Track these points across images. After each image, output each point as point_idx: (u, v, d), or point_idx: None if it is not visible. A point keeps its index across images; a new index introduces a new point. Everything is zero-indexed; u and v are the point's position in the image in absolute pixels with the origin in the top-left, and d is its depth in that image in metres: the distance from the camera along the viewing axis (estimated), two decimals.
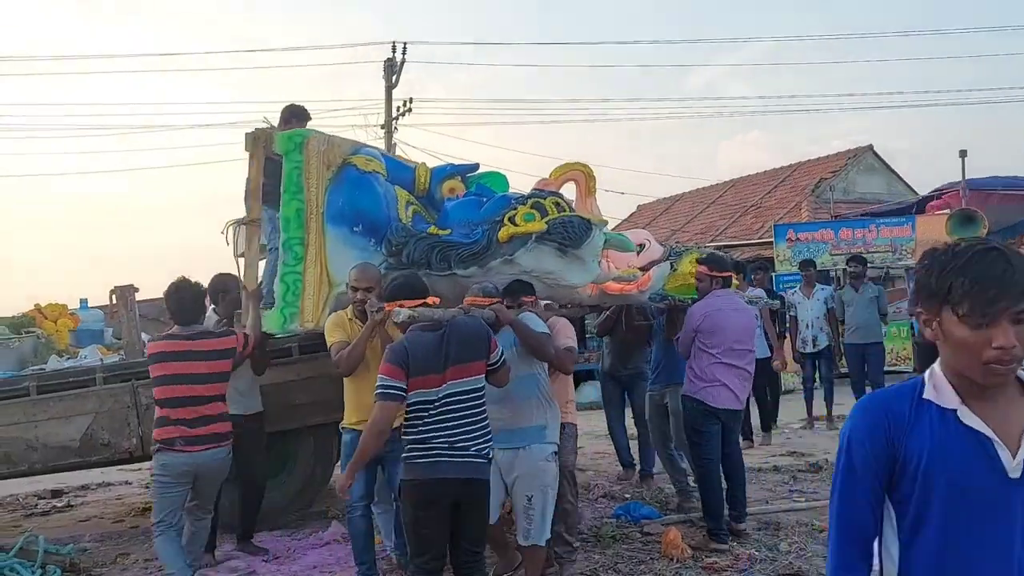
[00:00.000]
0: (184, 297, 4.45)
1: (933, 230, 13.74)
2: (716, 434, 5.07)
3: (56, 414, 5.50)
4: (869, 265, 13.91)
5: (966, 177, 14.07)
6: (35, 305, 6.36)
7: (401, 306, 3.58)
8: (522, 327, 4.02)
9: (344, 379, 4.33)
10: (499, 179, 5.45)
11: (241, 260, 5.14)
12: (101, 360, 5.87)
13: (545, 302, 5.10)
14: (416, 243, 4.64)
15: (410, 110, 19.67)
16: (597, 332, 8.24)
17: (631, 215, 32.26)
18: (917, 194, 20.29)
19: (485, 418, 3.59)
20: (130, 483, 8.13)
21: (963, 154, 14.07)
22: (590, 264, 4.80)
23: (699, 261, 5.31)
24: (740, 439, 5.62)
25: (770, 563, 4.68)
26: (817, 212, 21.25)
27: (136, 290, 6.20)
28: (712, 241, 22.59)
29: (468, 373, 3.52)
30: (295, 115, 5.77)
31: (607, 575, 4.61)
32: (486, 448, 3.54)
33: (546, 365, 4.19)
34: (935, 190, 15.73)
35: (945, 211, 14.11)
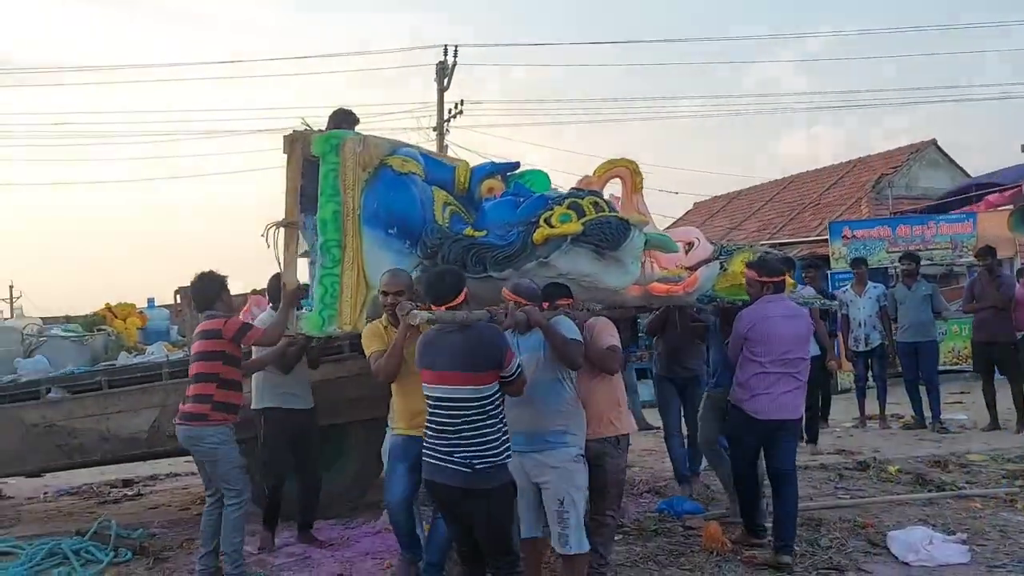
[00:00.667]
0: (196, 286, 4.87)
1: (995, 226, 13.41)
2: (753, 445, 4.91)
3: (126, 407, 5.86)
4: (929, 262, 13.73)
5: None
6: (106, 305, 6.75)
7: (427, 308, 3.69)
8: (552, 332, 3.90)
9: (391, 386, 4.38)
10: (541, 177, 5.30)
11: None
12: (167, 356, 6.21)
13: (591, 305, 4.98)
14: (451, 245, 4.55)
15: (461, 112, 20.03)
16: (647, 331, 8.25)
17: (687, 213, 31.97)
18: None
19: (485, 429, 3.52)
20: (195, 474, 8.50)
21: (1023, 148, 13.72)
22: (629, 266, 4.67)
23: (747, 265, 5.05)
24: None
25: (809, 557, 4.74)
26: (877, 209, 20.84)
27: None
28: (769, 239, 22.29)
29: (464, 382, 3.50)
30: (344, 120, 5.78)
31: (647, 566, 4.72)
32: (479, 461, 3.47)
33: (574, 372, 4.05)
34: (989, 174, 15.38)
35: (1007, 207, 13.78)
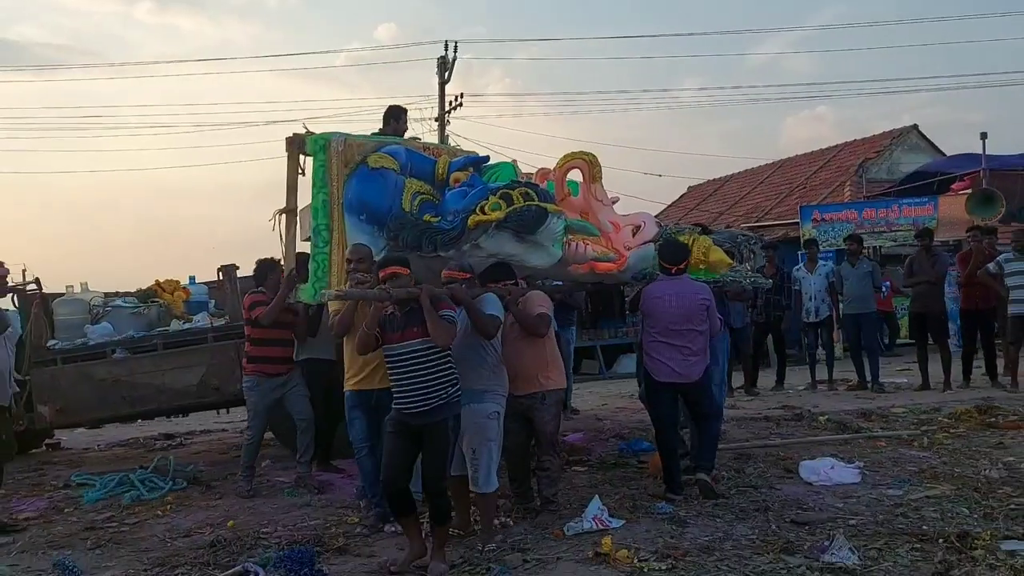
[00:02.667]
0: (255, 268, 6.33)
1: (954, 210, 14.50)
2: (664, 402, 5.59)
3: (178, 364, 7.06)
4: (893, 243, 14.85)
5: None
6: (155, 280, 7.91)
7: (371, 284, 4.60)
8: (470, 306, 4.63)
9: (344, 344, 5.30)
10: (506, 168, 5.84)
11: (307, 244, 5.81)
12: (211, 323, 7.41)
13: (551, 282, 6.14)
14: (410, 229, 5.05)
15: (461, 104, 21.13)
16: (628, 308, 9.39)
17: (681, 196, 32.87)
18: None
19: (430, 375, 4.32)
20: (226, 430, 9.74)
21: (983, 136, 14.77)
22: (550, 248, 5.14)
23: (657, 247, 5.72)
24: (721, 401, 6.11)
25: (733, 479, 5.91)
26: (859, 192, 21.78)
27: (237, 268, 7.76)
28: (756, 222, 23.29)
29: (413, 336, 4.33)
30: (394, 115, 7.13)
31: (603, 488, 5.86)
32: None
33: (499, 340, 4.82)
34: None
35: (966, 192, 14.86)
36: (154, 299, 7.67)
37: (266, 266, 6.22)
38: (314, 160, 5.35)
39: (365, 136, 5.96)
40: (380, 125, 7.17)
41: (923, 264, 9.44)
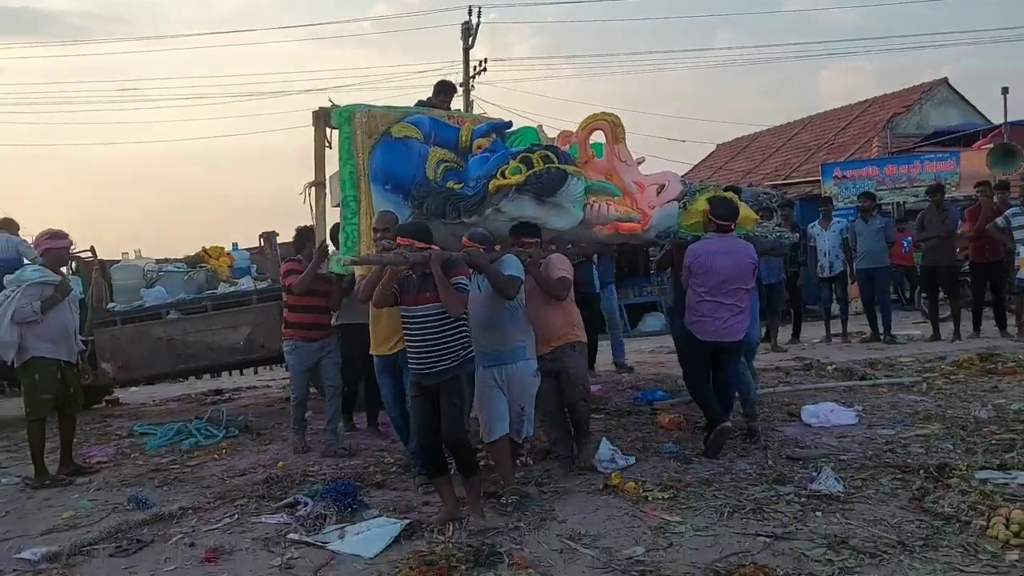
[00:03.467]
0: (294, 235, 6.51)
1: (976, 165, 14.60)
2: (700, 362, 5.60)
3: (226, 324, 7.65)
4: (915, 199, 15.00)
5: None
6: (202, 247, 8.50)
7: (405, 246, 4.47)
8: (489, 270, 4.66)
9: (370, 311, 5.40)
10: (529, 133, 5.89)
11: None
12: (255, 286, 8.00)
13: (575, 243, 6.03)
14: (434, 197, 5.11)
15: (485, 69, 21.45)
16: (656, 267, 9.80)
17: (710, 155, 32.88)
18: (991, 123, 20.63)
19: (442, 337, 4.40)
20: (269, 387, 10.39)
21: (1005, 91, 14.81)
22: (571, 209, 5.18)
23: (708, 200, 5.60)
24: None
25: (740, 426, 6.36)
26: (887, 148, 21.73)
27: (277, 235, 8.33)
28: (784, 180, 23.34)
29: (426, 301, 4.41)
30: (443, 90, 7.39)
31: (617, 432, 6.36)
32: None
33: (522, 298, 4.86)
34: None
35: (987, 147, 14.93)
36: (201, 264, 8.28)
37: (304, 234, 6.39)
38: (340, 132, 5.49)
39: (388, 107, 5.99)
40: (406, 92, 7.51)
41: (934, 219, 9.71)
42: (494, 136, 5.73)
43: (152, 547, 4.54)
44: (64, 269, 6.44)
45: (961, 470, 4.86)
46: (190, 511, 5.06)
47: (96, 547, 4.55)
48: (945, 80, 24.72)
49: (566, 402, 5.42)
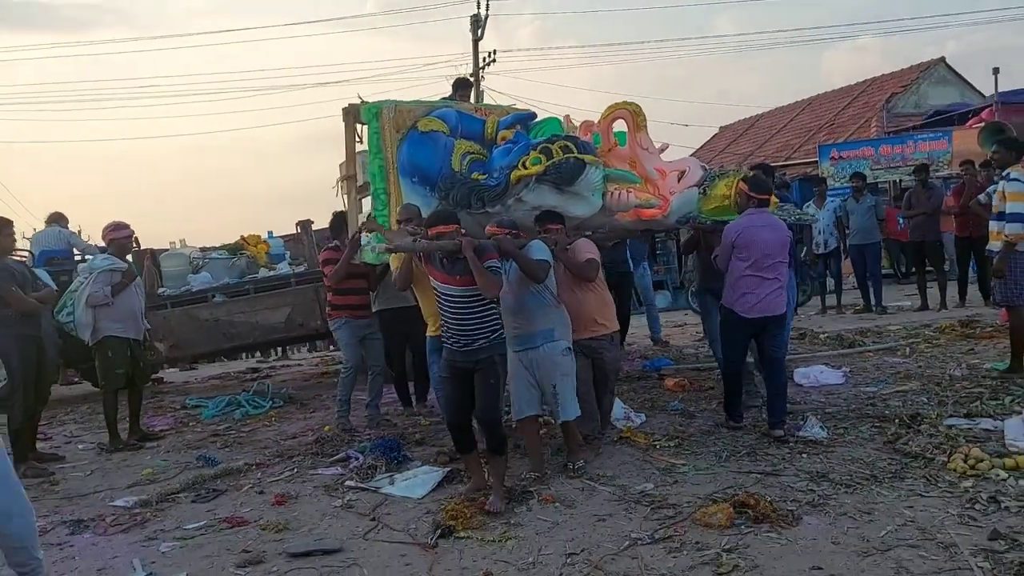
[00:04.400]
0: (331, 220, 6.82)
1: (968, 143, 15.14)
2: (741, 341, 5.60)
3: (268, 305, 8.35)
4: (910, 178, 15.55)
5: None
6: (241, 236, 9.19)
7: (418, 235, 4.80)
8: (517, 255, 4.75)
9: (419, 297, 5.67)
10: (552, 123, 5.95)
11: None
12: (293, 270, 8.70)
13: (598, 231, 5.91)
14: (459, 188, 5.28)
15: (495, 60, 22.10)
16: (684, 250, 10.35)
17: (713, 136, 33.40)
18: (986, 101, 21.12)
19: (476, 318, 4.53)
20: (301, 365, 11.11)
21: (996, 71, 15.35)
22: (590, 198, 5.31)
23: (743, 180, 5.63)
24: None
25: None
26: (887, 127, 22.25)
27: (312, 223, 9.02)
28: (786, 160, 23.89)
29: (456, 283, 4.54)
30: (461, 86, 7.84)
31: (628, 395, 7.03)
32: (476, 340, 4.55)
33: (553, 283, 4.96)
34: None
35: (979, 125, 15.48)
36: (241, 251, 8.97)
37: (340, 219, 6.68)
38: (368, 128, 5.72)
39: (415, 101, 6.17)
40: (418, 84, 8.08)
41: (920, 197, 10.33)
42: (518, 127, 5.87)
43: (227, 495, 5.25)
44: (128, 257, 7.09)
45: (931, 418, 5.53)
46: (254, 466, 5.78)
47: (178, 495, 5.27)
48: (942, 59, 25.20)
49: (598, 388, 5.55)
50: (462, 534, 4.22)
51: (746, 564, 3.63)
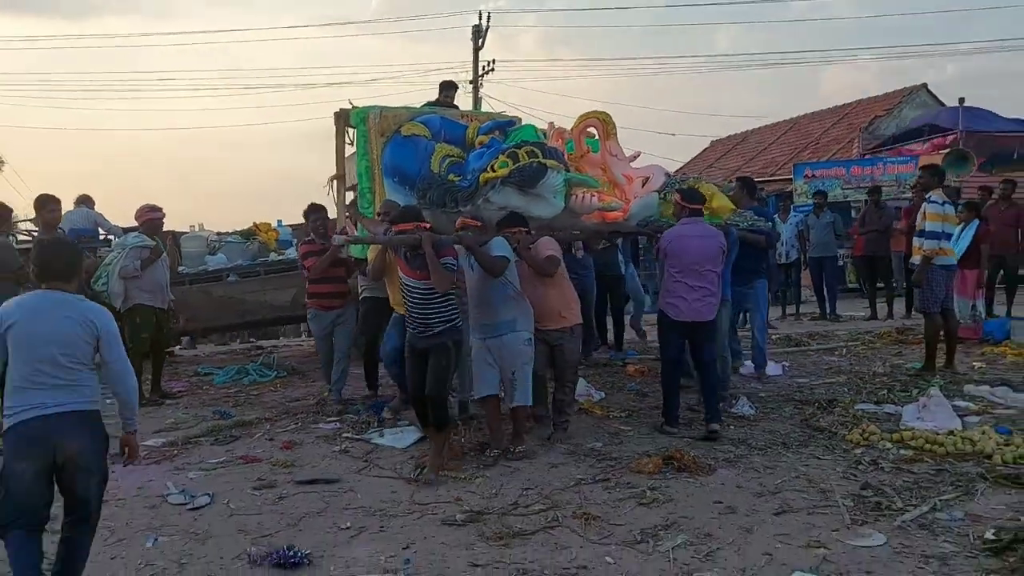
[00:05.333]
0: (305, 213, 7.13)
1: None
2: (674, 343, 5.86)
3: (277, 286, 9.25)
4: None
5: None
6: (253, 223, 10.10)
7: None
8: (476, 251, 5.13)
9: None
10: (527, 130, 6.17)
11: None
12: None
13: (571, 232, 6.33)
14: (436, 188, 5.60)
15: (493, 69, 23.10)
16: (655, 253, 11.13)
17: (704, 150, 34.32)
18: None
19: (432, 307, 4.98)
20: (302, 345, 12.01)
21: (961, 101, 16.33)
22: (552, 200, 5.58)
23: (676, 191, 5.98)
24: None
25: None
26: (868, 148, 23.21)
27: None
28: (771, 176, 24.82)
29: (415, 276, 5.00)
30: (447, 87, 8.62)
31: (593, 378, 7.94)
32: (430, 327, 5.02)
33: (515, 277, 5.31)
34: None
35: (944, 151, 16.47)
36: (254, 237, 9.88)
37: (311, 210, 7.02)
38: (357, 131, 6.10)
39: (401, 107, 6.57)
40: (420, 88, 8.90)
41: (872, 216, 11.32)
42: (496, 133, 6.13)
43: (241, 440, 6.16)
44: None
45: (845, 403, 6.49)
46: (264, 420, 6.69)
47: (199, 439, 6.19)
48: (924, 86, 26.08)
49: (555, 380, 5.88)
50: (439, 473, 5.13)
51: (664, 498, 4.57)
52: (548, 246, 5.63)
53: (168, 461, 5.63)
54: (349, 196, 6.95)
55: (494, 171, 5.48)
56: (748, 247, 6.91)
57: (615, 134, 6.16)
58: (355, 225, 6.47)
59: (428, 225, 5.13)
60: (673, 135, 56.25)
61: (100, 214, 10.18)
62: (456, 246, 5.21)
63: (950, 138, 16.79)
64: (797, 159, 26.20)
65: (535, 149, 5.58)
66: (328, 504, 4.69)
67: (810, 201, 15.04)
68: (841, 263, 14.14)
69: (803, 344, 9.48)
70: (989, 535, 3.87)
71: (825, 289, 11.70)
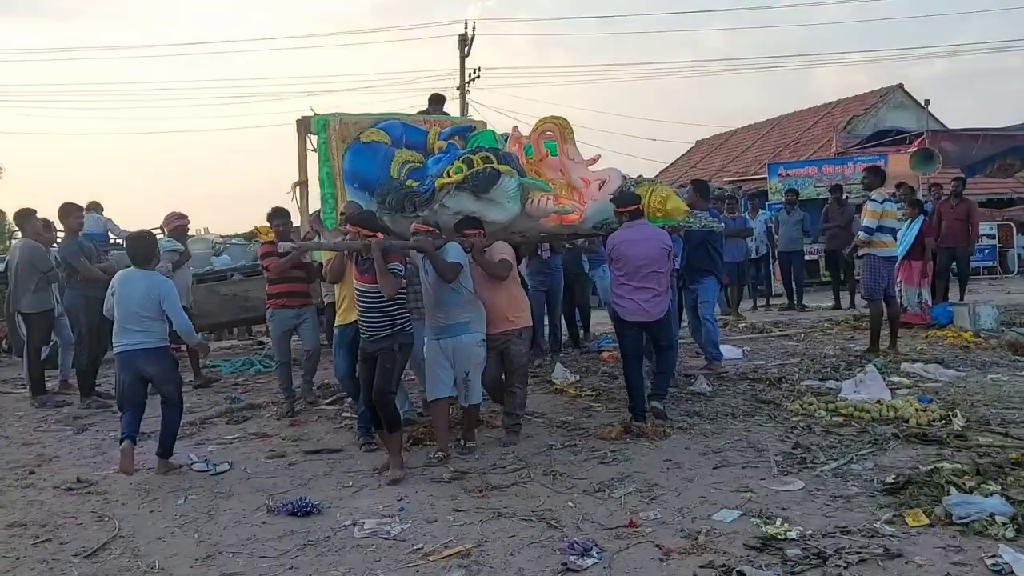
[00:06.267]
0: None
1: (901, 167, 16.88)
2: (630, 339, 6.04)
3: None
4: (849, 195, 17.34)
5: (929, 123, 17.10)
6: (255, 226, 10.79)
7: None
8: (432, 255, 5.23)
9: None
10: (486, 136, 6.30)
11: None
12: None
13: (526, 234, 6.29)
14: (394, 193, 5.65)
15: (478, 77, 23.92)
16: None
17: (689, 150, 35.06)
18: (946, 127, 22.96)
19: (380, 312, 5.03)
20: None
21: (927, 103, 17.11)
22: (506, 204, 5.61)
23: (611, 200, 6.02)
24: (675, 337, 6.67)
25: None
26: (846, 147, 23.95)
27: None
28: (754, 175, 25.56)
29: (364, 280, 5.07)
30: (435, 100, 8.80)
31: (569, 364, 8.68)
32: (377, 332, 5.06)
33: (469, 281, 5.41)
34: None
35: (912, 150, 17.24)
36: (255, 239, 10.60)
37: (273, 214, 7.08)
38: (318, 138, 6.16)
39: (362, 114, 6.52)
40: (406, 95, 9.27)
41: (835, 212, 12.09)
42: (456, 139, 6.25)
43: (252, 420, 6.90)
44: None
45: (792, 380, 7.25)
46: (271, 404, 7.42)
47: (215, 420, 6.92)
48: (900, 86, 26.84)
49: (506, 383, 5.96)
50: (429, 443, 5.85)
51: (622, 458, 5.31)
52: (501, 250, 5.71)
53: (188, 438, 6.35)
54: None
55: (450, 176, 5.59)
56: (698, 246, 7.50)
57: (572, 138, 6.27)
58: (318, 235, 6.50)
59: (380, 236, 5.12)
60: (653, 140, 57.27)
61: (110, 219, 10.90)
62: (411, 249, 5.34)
63: (916, 140, 17.55)
64: (778, 158, 26.97)
65: (490, 155, 5.67)
66: (333, 468, 5.42)
67: (783, 199, 15.87)
68: (814, 257, 14.98)
69: (766, 331, 10.23)
70: (889, 480, 4.61)
71: (793, 282, 12.45)
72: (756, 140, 30.46)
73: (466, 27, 24.09)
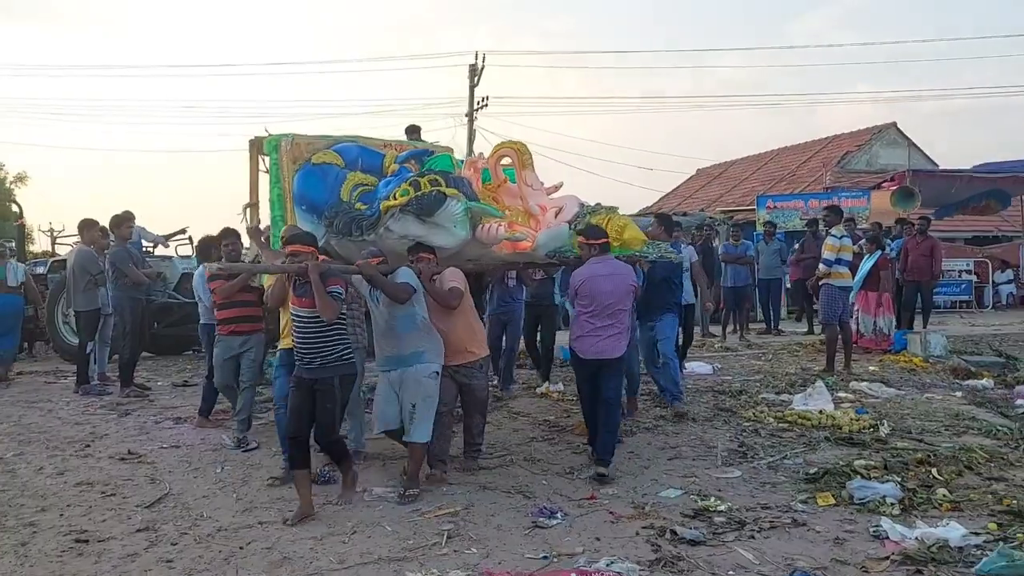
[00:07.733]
0: (197, 245, 8.87)
1: (882, 202, 17.82)
2: (584, 378, 5.79)
3: None
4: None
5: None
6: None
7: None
8: (377, 279, 5.03)
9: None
10: (443, 159, 6.16)
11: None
12: None
13: (481, 261, 6.12)
14: (342, 216, 5.49)
15: (487, 104, 25.13)
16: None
17: (689, 177, 36.02)
18: (937, 165, 23.95)
19: (318, 337, 4.78)
20: None
21: (910, 143, 18.09)
22: (452, 229, 5.43)
23: (577, 232, 5.81)
24: (623, 383, 6.27)
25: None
26: (839, 181, 24.81)
27: None
28: (749, 205, 26.50)
29: (302, 304, 4.80)
30: (409, 132, 9.29)
31: (552, 376, 9.59)
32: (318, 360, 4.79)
33: (424, 308, 5.18)
34: None
35: (894, 188, 18.20)
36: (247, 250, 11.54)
37: (207, 243, 7.37)
38: (270, 159, 6.04)
39: (316, 136, 6.33)
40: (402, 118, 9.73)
41: (810, 244, 13.03)
42: (411, 162, 6.05)
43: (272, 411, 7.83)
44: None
45: (752, 392, 8.19)
46: None
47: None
48: (894, 124, 27.83)
49: (464, 415, 5.86)
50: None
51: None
52: (452, 277, 5.51)
53: (218, 424, 7.29)
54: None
55: (395, 199, 5.43)
56: (661, 282, 7.20)
57: (531, 164, 6.06)
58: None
59: (321, 257, 5.04)
60: (651, 169, 59.30)
61: (143, 227, 11.88)
62: (356, 276, 5.19)
63: (898, 176, 18.51)
64: (773, 190, 27.85)
65: (438, 178, 5.52)
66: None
67: (783, 230, 16.80)
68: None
69: (737, 351, 11.18)
70: (812, 471, 5.54)
71: (771, 308, 13.39)
72: (754, 171, 31.35)
73: (476, 58, 25.38)
